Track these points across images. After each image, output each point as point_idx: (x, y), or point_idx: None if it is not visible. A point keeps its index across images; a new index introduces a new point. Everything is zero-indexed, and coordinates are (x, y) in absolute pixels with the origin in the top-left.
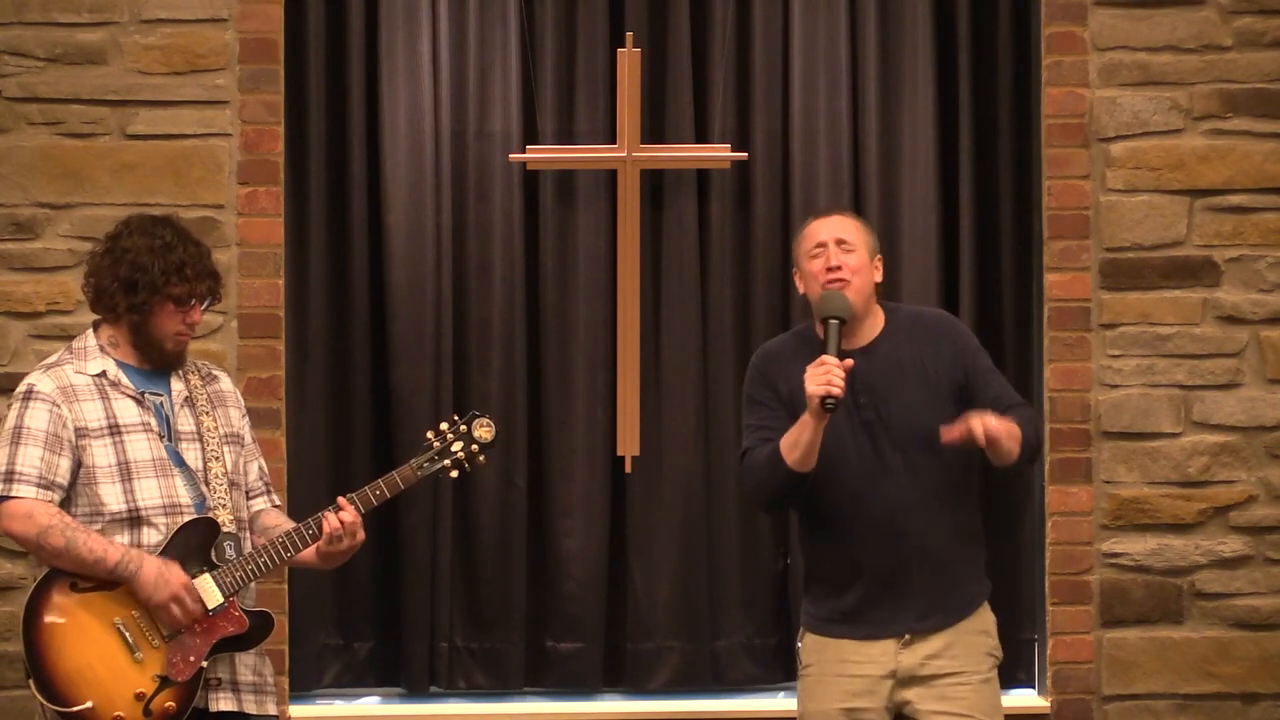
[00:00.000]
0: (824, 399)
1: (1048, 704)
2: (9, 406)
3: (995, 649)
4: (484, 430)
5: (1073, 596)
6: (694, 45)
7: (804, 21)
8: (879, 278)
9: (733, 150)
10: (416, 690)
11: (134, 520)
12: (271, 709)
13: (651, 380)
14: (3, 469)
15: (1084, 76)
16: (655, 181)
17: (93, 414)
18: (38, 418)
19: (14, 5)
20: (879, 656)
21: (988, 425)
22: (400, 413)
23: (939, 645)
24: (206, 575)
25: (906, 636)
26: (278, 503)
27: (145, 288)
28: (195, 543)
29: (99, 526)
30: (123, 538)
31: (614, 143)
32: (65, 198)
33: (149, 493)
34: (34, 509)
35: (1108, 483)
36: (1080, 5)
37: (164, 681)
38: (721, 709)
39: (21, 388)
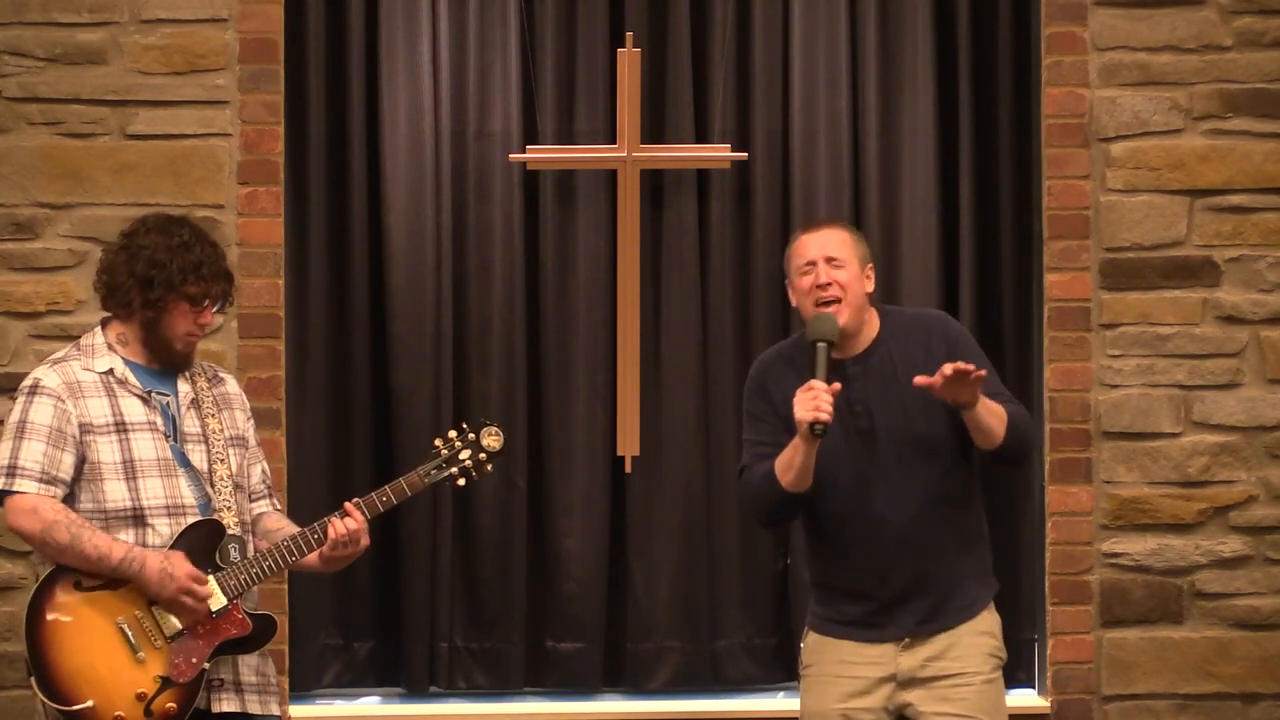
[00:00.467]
0: (812, 425)
1: (1048, 704)
2: (14, 400)
3: (998, 650)
4: (492, 439)
5: (1073, 596)
6: (694, 45)
7: (804, 21)
8: (870, 287)
9: (733, 150)
10: (416, 690)
11: (137, 518)
12: (275, 709)
13: (651, 380)
14: (5, 463)
15: (1084, 76)
16: (655, 181)
17: (98, 410)
18: (42, 413)
19: (14, 5)
20: (879, 658)
21: (956, 365)
22: (400, 413)
23: (940, 647)
24: (211, 578)
25: (906, 640)
26: (279, 506)
27: (161, 285)
28: (200, 545)
29: (102, 523)
30: (126, 536)
31: (614, 143)
32: (65, 198)
33: (153, 492)
34: (39, 504)
35: (1108, 483)
36: (1080, 5)
37: (165, 682)
38: (721, 709)
39: (27, 382)
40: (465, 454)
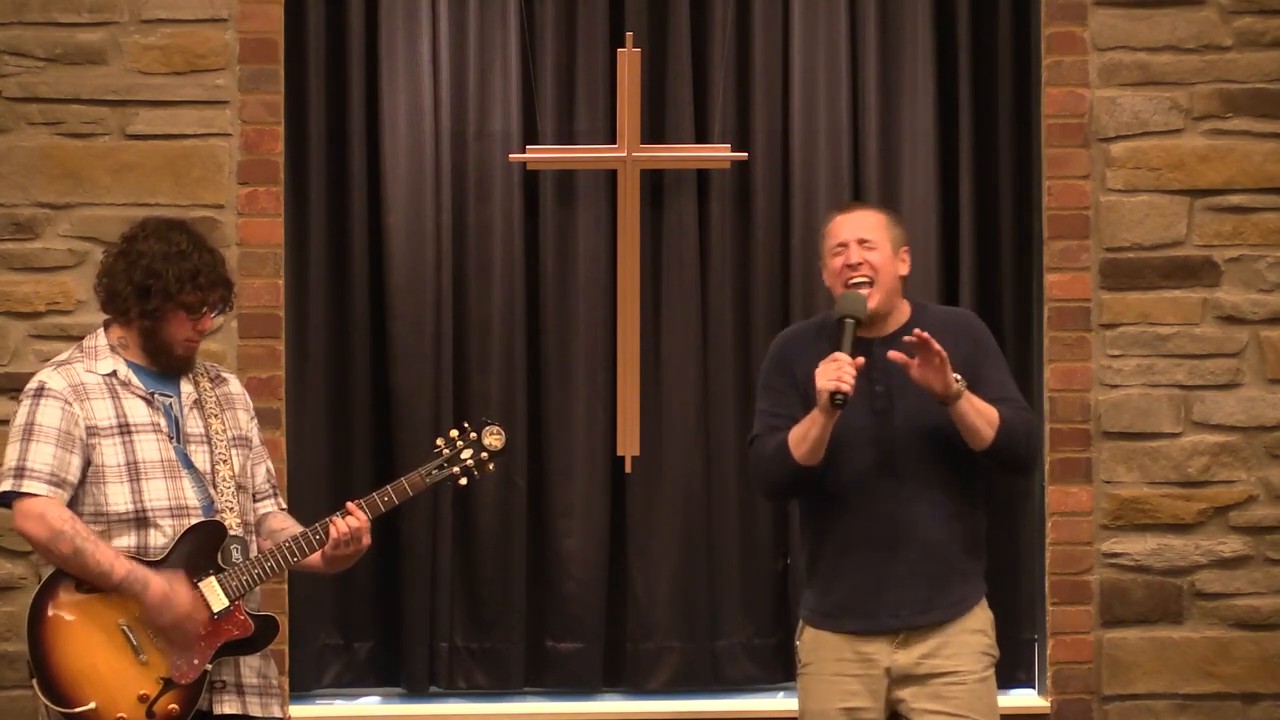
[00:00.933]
0: (833, 394)
1: (1048, 704)
2: (19, 403)
3: (991, 648)
4: (494, 438)
5: (1073, 596)
6: (694, 45)
7: (804, 22)
8: (905, 270)
9: (733, 150)
10: (416, 690)
11: (140, 521)
12: (276, 711)
13: (651, 380)
14: (14, 465)
15: (1084, 76)
16: (655, 181)
17: (103, 413)
18: (50, 415)
19: (14, 5)
20: (874, 655)
21: (918, 332)
22: (400, 412)
23: (934, 644)
24: (212, 579)
25: (901, 635)
26: (284, 505)
27: (158, 294)
28: (202, 546)
29: (104, 526)
30: (129, 538)
31: (614, 143)
32: (65, 198)
33: (156, 494)
34: (47, 510)
35: (1108, 483)
36: (1080, 5)
37: (168, 684)
38: (721, 709)
39: (33, 384)
40: (467, 453)
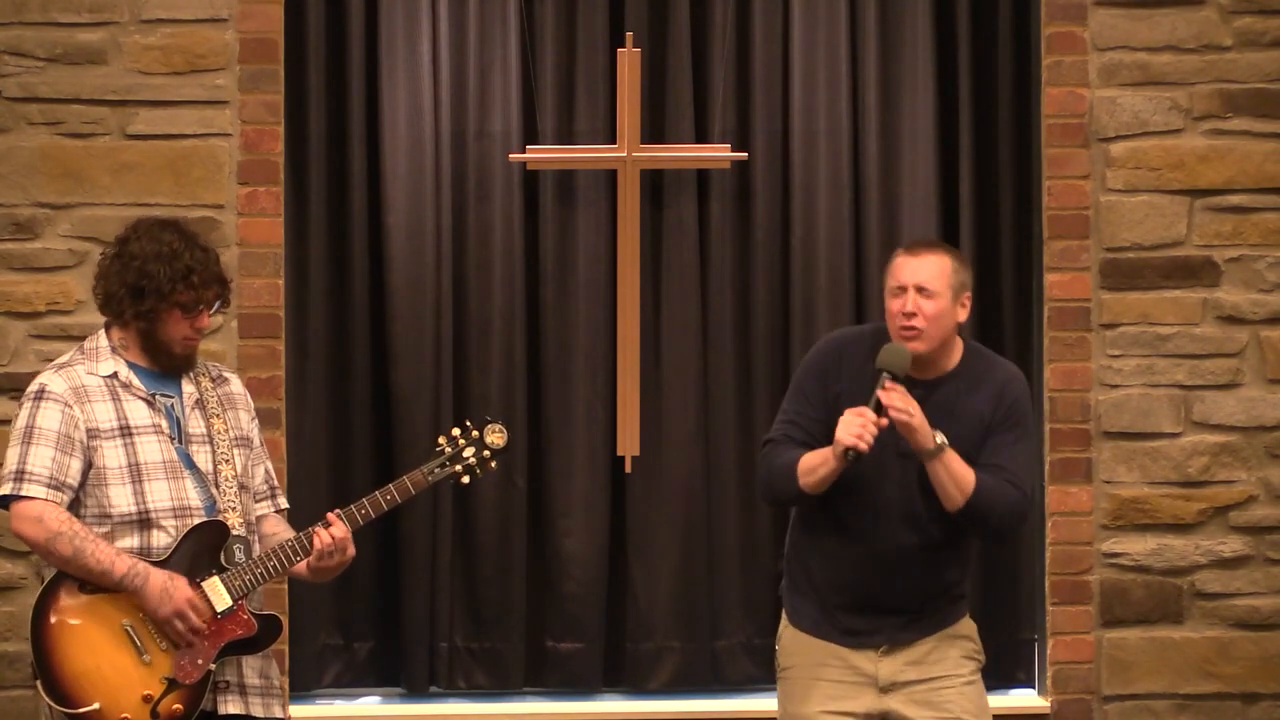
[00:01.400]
0: (847, 450)
1: (1048, 704)
2: (20, 405)
3: (976, 652)
4: (496, 436)
5: (1073, 596)
6: (694, 45)
7: (804, 21)
8: (963, 317)
9: (733, 150)
10: (416, 690)
11: (143, 522)
12: (278, 711)
13: (651, 380)
14: (14, 468)
15: (1084, 76)
16: (655, 181)
17: (104, 415)
18: (49, 418)
19: (14, 5)
20: (859, 663)
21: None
22: (400, 413)
23: (919, 653)
24: (216, 578)
25: (885, 646)
26: (283, 505)
27: (152, 295)
28: (205, 545)
29: (107, 528)
30: (132, 540)
31: (614, 143)
32: (65, 198)
33: (159, 495)
34: (45, 512)
35: (1108, 483)
36: (1080, 5)
37: (171, 684)
38: (721, 709)
39: (33, 387)
40: (469, 451)
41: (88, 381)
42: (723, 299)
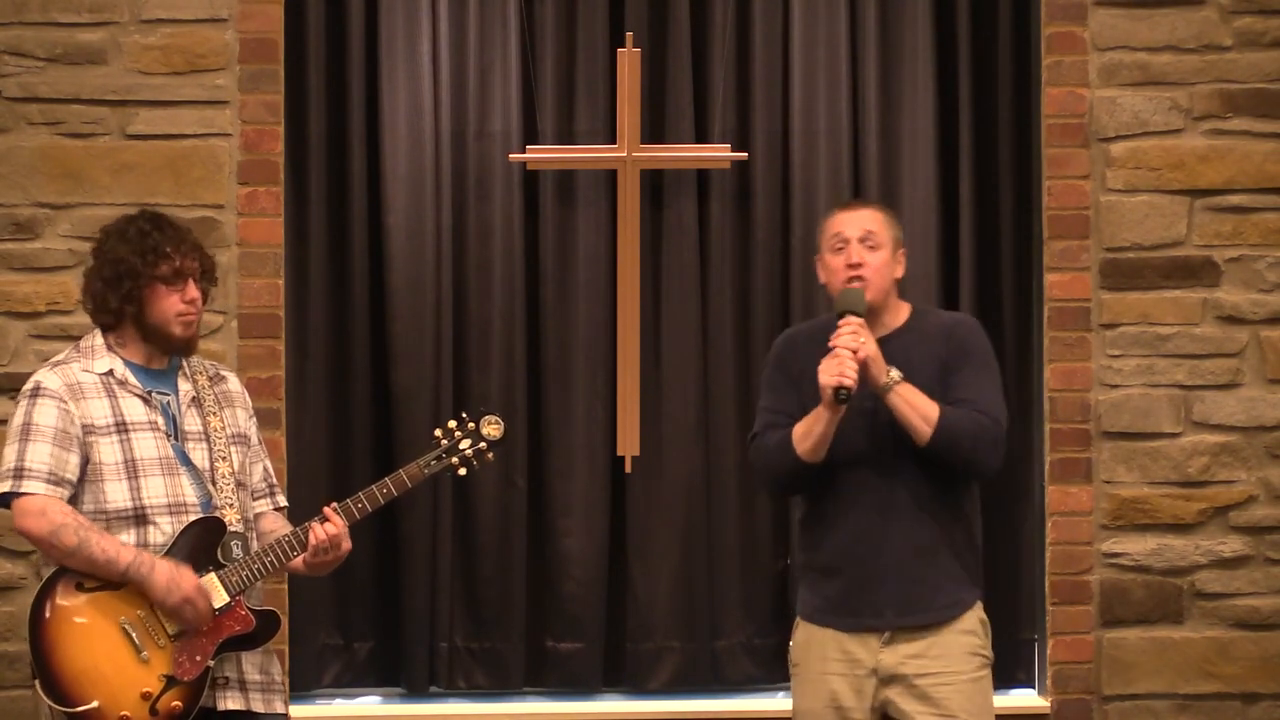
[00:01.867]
0: (837, 390)
1: (1048, 704)
2: (16, 404)
3: (982, 649)
4: (492, 428)
5: (1073, 596)
6: (694, 45)
7: (804, 21)
8: (900, 273)
9: (733, 150)
10: (416, 690)
11: (139, 518)
12: (279, 707)
13: (651, 380)
14: (13, 465)
15: (1084, 76)
16: (655, 181)
17: (99, 411)
18: (46, 414)
19: (14, 5)
20: (860, 654)
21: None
22: (400, 412)
23: (921, 646)
24: (213, 575)
25: (887, 635)
26: (282, 502)
27: (129, 276)
28: (202, 542)
29: (103, 524)
30: (128, 536)
31: (614, 143)
32: (65, 198)
33: (155, 491)
34: (47, 506)
35: (1108, 483)
36: (1080, 5)
37: (170, 681)
38: (721, 709)
39: (29, 385)
40: (466, 443)
41: (83, 378)
42: (723, 299)
